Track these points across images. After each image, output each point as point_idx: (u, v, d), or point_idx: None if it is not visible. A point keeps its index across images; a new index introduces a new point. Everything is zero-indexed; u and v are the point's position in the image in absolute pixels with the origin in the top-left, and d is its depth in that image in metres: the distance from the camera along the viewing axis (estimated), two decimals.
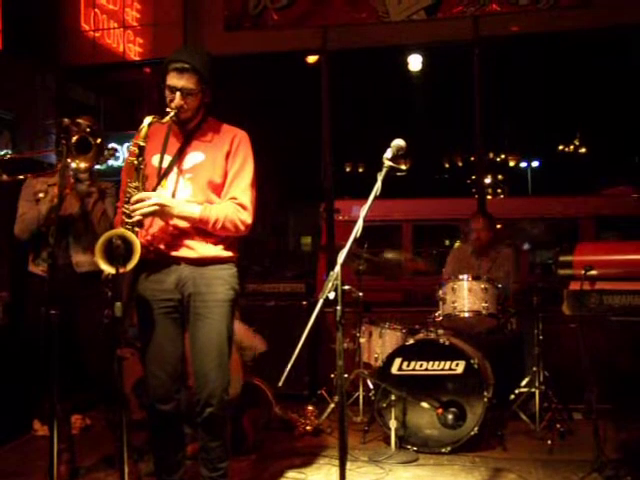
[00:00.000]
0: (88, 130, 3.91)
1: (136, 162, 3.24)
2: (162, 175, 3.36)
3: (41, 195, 4.10)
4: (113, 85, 8.63)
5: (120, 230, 3.15)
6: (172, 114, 3.29)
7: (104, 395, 4.12)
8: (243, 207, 3.38)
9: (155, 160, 3.39)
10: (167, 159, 3.39)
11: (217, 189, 3.40)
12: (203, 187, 3.37)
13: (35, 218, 4.05)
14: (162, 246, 3.35)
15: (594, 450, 4.12)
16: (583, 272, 4.30)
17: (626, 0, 6.28)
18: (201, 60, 3.35)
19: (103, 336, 3.84)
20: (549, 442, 4.73)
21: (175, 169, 3.39)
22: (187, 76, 3.29)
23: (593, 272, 4.33)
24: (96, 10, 7.32)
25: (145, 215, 3.22)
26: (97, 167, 4.28)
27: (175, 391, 3.42)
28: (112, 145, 4.38)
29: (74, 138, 3.80)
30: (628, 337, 5.03)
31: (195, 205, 3.31)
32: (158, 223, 3.35)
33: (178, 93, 3.29)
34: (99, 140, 3.93)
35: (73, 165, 3.86)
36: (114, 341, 3.06)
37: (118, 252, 3.04)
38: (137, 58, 7.38)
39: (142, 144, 3.25)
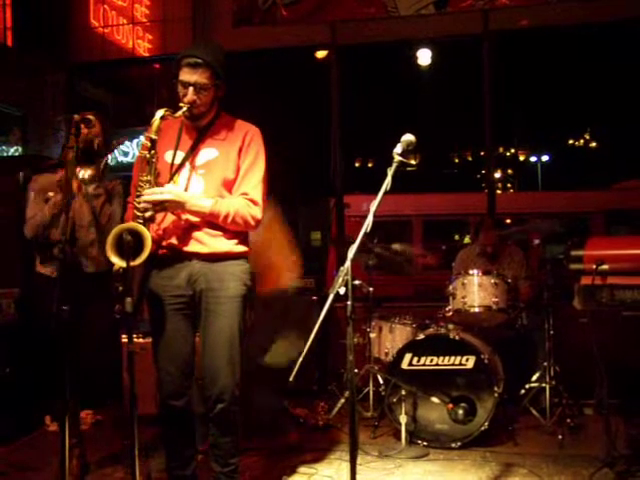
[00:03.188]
0: (95, 147, 3.84)
1: (148, 155, 3.24)
2: (174, 171, 3.36)
3: (50, 194, 3.98)
4: (123, 81, 8.64)
5: (132, 224, 3.15)
6: (185, 109, 3.29)
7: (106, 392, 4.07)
8: (254, 202, 3.38)
9: (168, 156, 3.39)
10: (180, 155, 3.39)
11: (229, 185, 3.40)
12: (216, 183, 3.37)
13: (41, 223, 3.96)
14: (174, 241, 3.35)
15: (605, 445, 4.12)
16: (594, 267, 4.29)
17: None
18: (214, 55, 3.35)
19: (110, 334, 3.84)
20: (560, 437, 4.72)
21: (188, 165, 3.39)
22: (200, 71, 3.29)
23: (604, 267, 4.31)
24: (105, 6, 7.34)
25: (155, 205, 3.22)
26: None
27: (186, 387, 3.43)
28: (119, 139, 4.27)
29: (79, 146, 3.68)
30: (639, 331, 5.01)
31: (206, 199, 3.32)
32: (170, 218, 3.35)
33: (191, 88, 3.29)
34: (103, 162, 3.86)
35: (80, 175, 3.79)
36: (127, 336, 3.06)
37: (129, 246, 3.04)
38: (146, 54, 7.40)
39: (154, 137, 3.24)
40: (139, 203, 3.21)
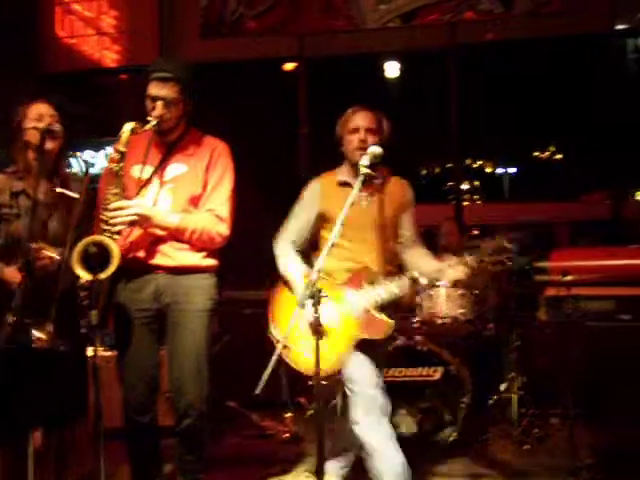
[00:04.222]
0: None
1: (116, 168, 3.22)
2: (142, 186, 3.34)
3: (5, 211, 3.45)
4: (89, 92, 8.58)
5: (99, 237, 3.12)
6: (154, 122, 3.27)
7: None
8: (221, 219, 3.38)
9: (135, 171, 3.37)
10: (148, 170, 3.38)
11: (196, 200, 3.40)
12: (183, 198, 3.36)
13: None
14: (141, 254, 3.33)
15: (570, 455, 4.16)
16: (559, 278, 4.34)
17: (599, 9, 6.36)
18: (183, 70, 3.36)
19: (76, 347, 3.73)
20: (527, 447, 4.75)
21: (156, 180, 3.37)
22: (169, 85, 3.29)
23: (569, 278, 4.37)
24: (72, 17, 7.28)
25: (124, 224, 3.20)
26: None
27: (151, 402, 3.40)
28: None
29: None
30: (603, 341, 5.08)
31: (174, 215, 3.31)
32: (137, 231, 3.33)
33: (160, 102, 3.28)
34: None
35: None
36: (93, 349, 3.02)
37: (95, 259, 3.01)
38: (114, 65, 7.36)
39: (123, 150, 3.22)
40: (106, 216, 3.18)
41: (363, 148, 3.37)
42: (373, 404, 3.33)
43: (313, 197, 3.58)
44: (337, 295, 3.36)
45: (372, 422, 3.34)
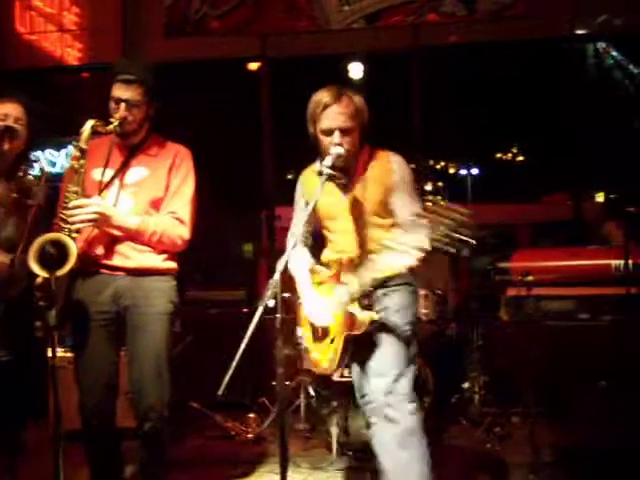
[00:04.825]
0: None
1: (77, 165, 3.19)
2: (102, 189, 3.31)
3: None
4: (51, 90, 8.47)
5: (56, 235, 3.08)
6: (116, 124, 3.24)
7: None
8: (181, 222, 3.35)
9: (97, 174, 3.33)
10: (109, 173, 3.34)
11: (158, 203, 3.36)
12: (145, 201, 3.33)
13: None
14: (100, 255, 3.29)
15: (531, 453, 4.20)
16: (520, 278, 4.39)
17: (561, 13, 6.45)
18: (148, 72, 3.33)
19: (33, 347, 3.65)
20: (488, 446, 4.79)
21: (117, 182, 3.34)
22: (133, 87, 3.26)
23: (530, 278, 4.42)
24: (32, 13, 7.18)
25: (84, 222, 3.17)
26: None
27: (109, 405, 3.36)
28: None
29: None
30: (564, 340, 5.15)
31: (134, 217, 3.27)
32: (96, 230, 3.29)
33: (123, 104, 3.25)
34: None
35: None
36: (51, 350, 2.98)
37: (52, 257, 2.97)
38: (76, 63, 7.28)
39: (84, 147, 3.19)
40: (65, 215, 3.14)
41: None
42: (363, 408, 3.30)
43: (298, 191, 3.48)
44: (330, 290, 3.20)
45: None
